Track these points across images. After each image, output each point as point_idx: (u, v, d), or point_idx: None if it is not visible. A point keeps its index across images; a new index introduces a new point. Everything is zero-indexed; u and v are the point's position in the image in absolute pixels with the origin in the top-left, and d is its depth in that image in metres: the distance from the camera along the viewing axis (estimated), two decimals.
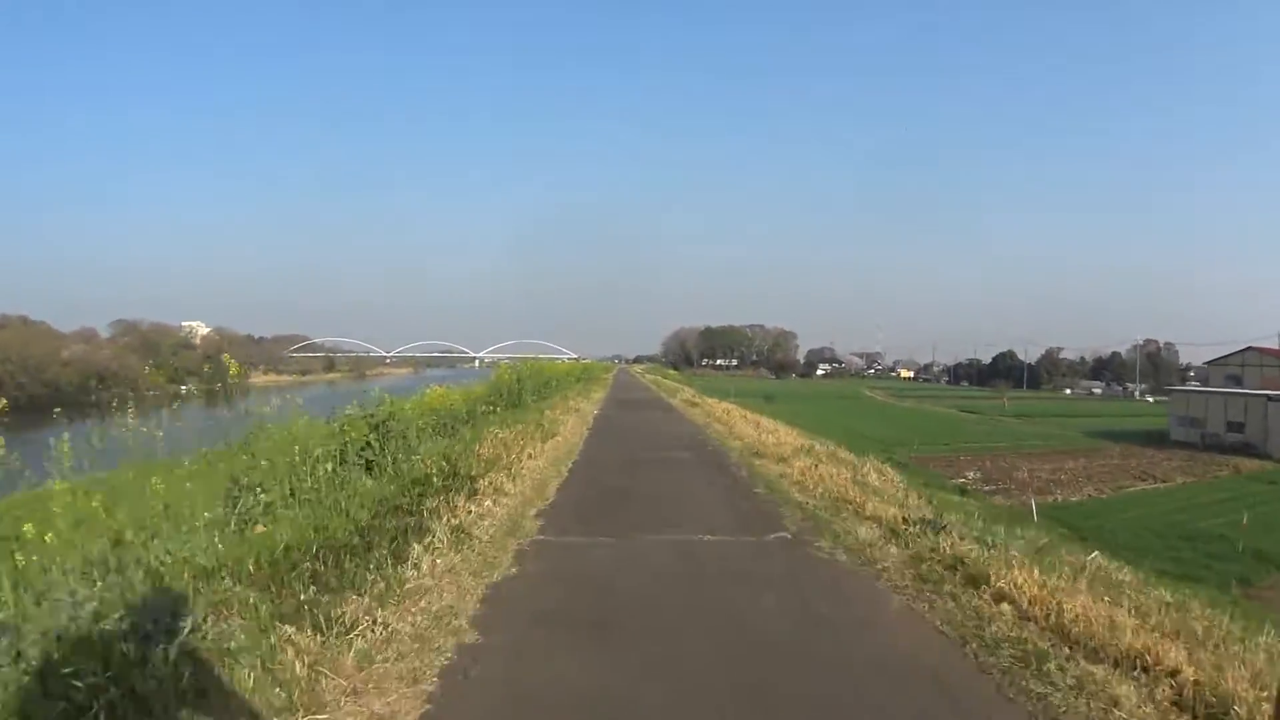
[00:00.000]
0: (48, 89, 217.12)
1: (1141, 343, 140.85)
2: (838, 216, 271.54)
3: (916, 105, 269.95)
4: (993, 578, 5.17)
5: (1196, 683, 3.59)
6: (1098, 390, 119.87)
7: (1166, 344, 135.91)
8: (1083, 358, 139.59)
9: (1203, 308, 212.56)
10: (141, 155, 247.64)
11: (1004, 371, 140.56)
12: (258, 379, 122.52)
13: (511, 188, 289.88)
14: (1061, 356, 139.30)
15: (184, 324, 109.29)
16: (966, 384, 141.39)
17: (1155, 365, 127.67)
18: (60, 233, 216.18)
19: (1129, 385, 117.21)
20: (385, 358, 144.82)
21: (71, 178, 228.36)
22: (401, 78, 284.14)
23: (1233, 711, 3.34)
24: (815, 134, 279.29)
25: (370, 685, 3.52)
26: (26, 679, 2.74)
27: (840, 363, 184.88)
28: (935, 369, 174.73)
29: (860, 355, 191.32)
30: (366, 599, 4.43)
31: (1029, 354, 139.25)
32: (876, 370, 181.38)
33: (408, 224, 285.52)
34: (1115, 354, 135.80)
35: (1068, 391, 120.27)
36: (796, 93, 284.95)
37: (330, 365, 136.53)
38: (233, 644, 3.35)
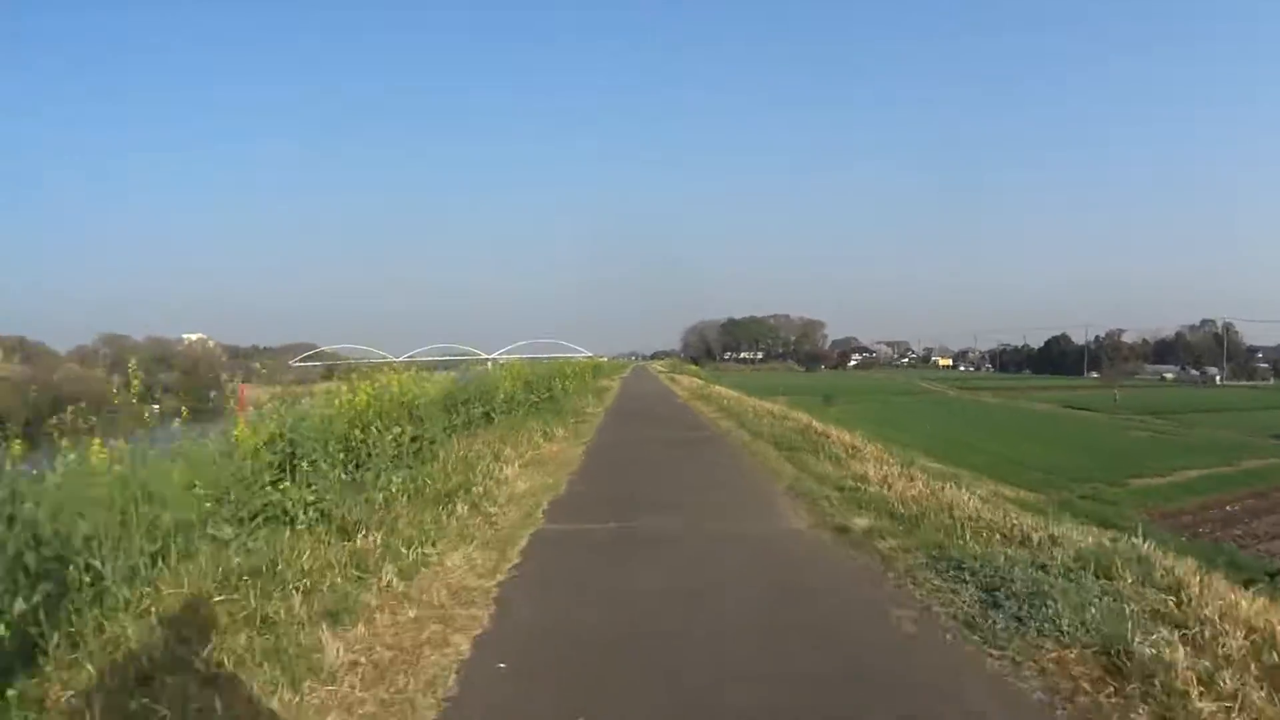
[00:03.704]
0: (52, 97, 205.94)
1: (1199, 323, 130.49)
2: (855, 202, 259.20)
3: (946, 95, 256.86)
4: None
5: None
6: (1169, 375, 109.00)
7: (1226, 323, 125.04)
8: (1144, 339, 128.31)
9: (1255, 284, 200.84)
10: (141, 162, 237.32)
11: (1057, 357, 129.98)
12: (245, 392, 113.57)
13: (526, 185, 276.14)
14: (1122, 339, 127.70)
15: (184, 336, 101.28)
16: (1020, 370, 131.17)
17: (1222, 347, 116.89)
18: (60, 245, 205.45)
19: (1208, 370, 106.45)
20: (394, 363, 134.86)
21: (72, 186, 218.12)
22: (408, 80, 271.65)
23: None
24: (832, 120, 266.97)
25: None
26: None
27: (871, 352, 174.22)
28: (974, 355, 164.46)
29: (889, 344, 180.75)
30: None
31: (1088, 335, 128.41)
32: (910, 359, 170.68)
33: (419, 225, 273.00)
34: (1180, 335, 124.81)
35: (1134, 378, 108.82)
36: (816, 82, 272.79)
37: (329, 374, 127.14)
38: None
